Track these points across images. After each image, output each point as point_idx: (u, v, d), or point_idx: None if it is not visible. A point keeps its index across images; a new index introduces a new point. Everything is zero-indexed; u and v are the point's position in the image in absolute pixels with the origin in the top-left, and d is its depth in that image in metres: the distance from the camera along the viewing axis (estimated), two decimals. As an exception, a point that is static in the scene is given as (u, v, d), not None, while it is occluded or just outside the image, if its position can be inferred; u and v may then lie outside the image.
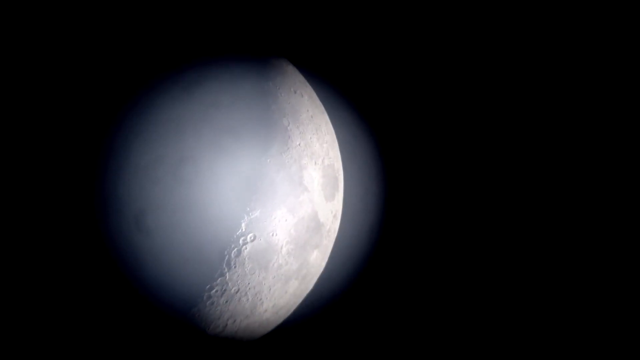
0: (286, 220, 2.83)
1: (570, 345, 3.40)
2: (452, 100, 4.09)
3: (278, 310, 2.96)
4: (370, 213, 3.46)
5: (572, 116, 3.68)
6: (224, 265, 2.70)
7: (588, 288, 3.49)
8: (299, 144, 2.97)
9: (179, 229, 2.63)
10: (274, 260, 2.81)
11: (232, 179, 2.72)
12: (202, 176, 2.65)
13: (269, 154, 2.84)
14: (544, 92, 3.77)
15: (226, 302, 2.77)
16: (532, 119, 3.82)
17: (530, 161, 3.83)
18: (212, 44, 3.08)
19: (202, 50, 3.02)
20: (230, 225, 2.70)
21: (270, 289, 2.85)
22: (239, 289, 2.76)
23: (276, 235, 2.81)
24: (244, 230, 2.72)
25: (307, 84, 3.30)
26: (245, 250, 2.73)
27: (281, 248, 2.83)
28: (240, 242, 2.71)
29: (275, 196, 2.80)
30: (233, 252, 2.70)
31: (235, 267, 2.72)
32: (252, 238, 2.74)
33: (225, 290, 2.74)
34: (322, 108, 3.30)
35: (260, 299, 2.84)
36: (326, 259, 3.11)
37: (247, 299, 2.80)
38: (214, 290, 2.72)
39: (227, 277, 2.72)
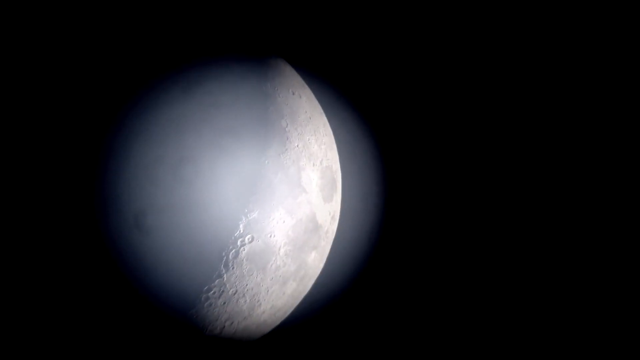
0: (284, 221, 2.83)
1: (570, 345, 3.39)
2: (452, 100, 4.08)
3: (276, 312, 2.96)
4: (368, 214, 3.46)
5: (572, 116, 3.67)
6: (222, 267, 2.70)
7: (588, 288, 3.48)
8: (297, 145, 2.97)
9: (178, 229, 2.63)
10: (272, 261, 2.81)
11: (231, 179, 2.71)
12: (202, 176, 2.65)
13: (267, 155, 2.84)
14: (544, 92, 3.76)
15: (224, 303, 2.77)
16: (532, 119, 3.81)
17: (531, 161, 3.82)
18: (212, 44, 3.08)
19: (202, 50, 3.01)
20: (229, 226, 2.70)
21: (268, 291, 2.85)
22: (236, 291, 2.76)
23: (274, 236, 2.81)
24: (242, 231, 2.72)
25: (306, 85, 3.30)
26: (243, 252, 2.72)
27: (279, 249, 2.83)
28: (238, 243, 2.71)
29: (273, 197, 2.80)
30: (231, 253, 2.70)
31: (233, 268, 2.72)
32: (250, 239, 2.73)
33: (223, 291, 2.74)
34: (321, 109, 3.29)
35: (258, 301, 2.84)
36: (324, 261, 3.11)
37: (245, 301, 2.80)
38: (211, 292, 2.72)
39: (225, 279, 2.72)
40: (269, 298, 2.86)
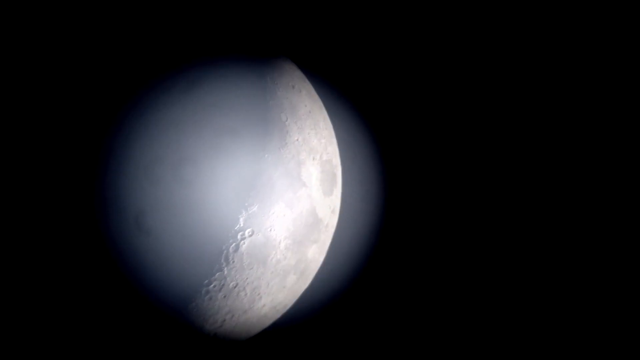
0: (284, 215, 2.84)
1: (570, 345, 3.39)
2: (452, 100, 4.09)
3: (276, 305, 2.96)
4: (369, 208, 3.46)
5: (572, 116, 3.68)
6: (222, 260, 2.70)
7: (588, 288, 3.47)
8: (297, 140, 2.98)
9: (178, 228, 2.63)
10: (272, 255, 2.82)
11: (231, 175, 2.72)
12: (202, 175, 2.65)
13: (267, 149, 2.84)
14: (544, 92, 3.76)
15: (224, 297, 2.77)
16: (532, 119, 3.82)
17: (531, 161, 3.83)
18: (212, 44, 3.09)
19: (202, 50, 3.02)
20: (229, 220, 2.70)
21: (268, 284, 2.85)
22: (237, 284, 2.77)
23: (274, 230, 2.81)
24: (242, 225, 2.72)
25: (306, 80, 3.31)
26: (244, 246, 2.73)
27: (279, 243, 2.83)
28: (239, 237, 2.72)
29: (273, 191, 2.81)
30: (231, 247, 2.71)
31: (233, 262, 2.72)
32: (250, 233, 2.74)
33: (223, 285, 2.74)
34: (321, 103, 3.30)
35: (259, 294, 2.84)
36: (324, 254, 3.11)
37: (246, 294, 2.80)
38: (212, 285, 2.73)
39: (226, 272, 2.72)
40: (269, 291, 2.87)
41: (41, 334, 3.00)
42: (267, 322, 3.00)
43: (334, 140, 3.26)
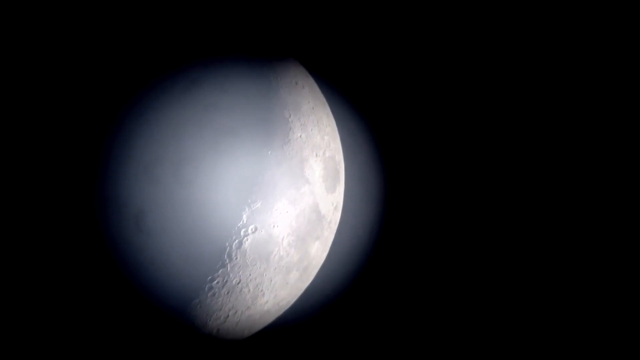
0: (287, 212, 2.84)
1: (570, 345, 3.40)
2: (452, 100, 4.08)
3: (279, 302, 2.97)
4: (371, 204, 3.46)
5: (572, 116, 3.67)
6: (225, 257, 2.71)
7: (588, 288, 3.48)
8: (300, 136, 2.97)
9: (179, 227, 2.63)
10: (275, 251, 2.82)
11: (233, 171, 2.72)
12: (202, 175, 2.65)
13: (270, 146, 2.84)
14: (544, 92, 3.76)
15: (227, 293, 2.77)
16: (532, 118, 3.81)
17: (531, 161, 3.82)
18: (212, 44, 3.08)
19: (202, 50, 3.01)
20: (232, 216, 2.70)
21: (271, 281, 2.85)
22: (240, 280, 2.77)
23: (277, 226, 2.81)
24: (245, 221, 2.72)
25: (309, 76, 3.30)
26: (247, 242, 2.73)
27: (282, 240, 2.83)
28: (242, 233, 2.72)
29: (276, 188, 2.80)
30: (234, 243, 2.71)
31: (236, 258, 2.73)
32: (253, 230, 2.74)
33: (226, 281, 2.74)
34: (324, 100, 3.29)
35: (262, 290, 2.85)
36: (327, 251, 3.12)
37: (249, 290, 2.81)
38: (215, 282, 2.73)
39: (229, 269, 2.72)
40: (272, 288, 2.87)
41: (41, 333, 3.00)
42: (270, 319, 3.00)
43: (337, 137, 3.25)
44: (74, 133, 2.93)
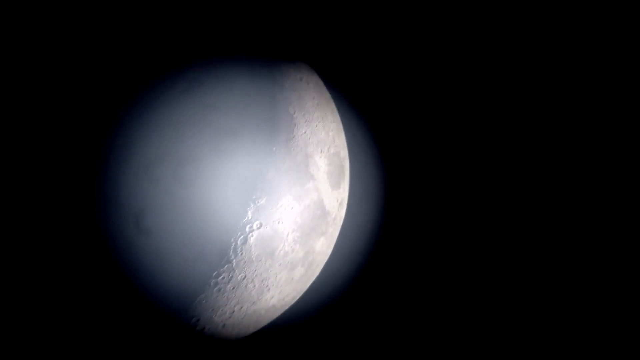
0: (292, 208, 2.84)
1: (570, 345, 3.40)
2: (452, 100, 4.06)
3: (284, 297, 2.98)
4: (375, 200, 3.46)
5: (572, 116, 3.65)
6: (231, 252, 2.72)
7: (588, 288, 3.48)
8: (305, 132, 2.97)
9: (178, 223, 2.64)
10: (280, 247, 2.83)
11: (239, 166, 2.72)
12: (202, 168, 2.65)
13: (275, 142, 2.84)
14: (545, 92, 3.73)
15: (233, 288, 2.79)
16: (532, 118, 3.79)
17: (531, 161, 3.81)
18: (212, 44, 3.06)
19: (203, 50, 3.00)
20: (237, 213, 2.71)
21: (276, 276, 2.87)
22: (245, 276, 2.79)
23: (282, 223, 2.82)
24: (250, 218, 2.73)
25: (314, 72, 3.29)
26: (252, 238, 2.74)
27: (287, 236, 2.85)
28: (247, 229, 2.73)
29: (281, 184, 2.81)
30: (239, 239, 2.72)
31: (242, 254, 2.74)
32: (258, 226, 2.75)
33: (232, 277, 2.76)
34: (329, 96, 3.28)
35: (267, 286, 2.86)
36: (332, 247, 3.13)
37: (254, 286, 2.83)
38: (220, 277, 2.75)
39: (234, 264, 2.74)
40: (277, 283, 2.89)
41: (41, 333, 3.01)
42: (276, 314, 3.03)
43: (342, 133, 3.24)
44: (74, 133, 2.93)
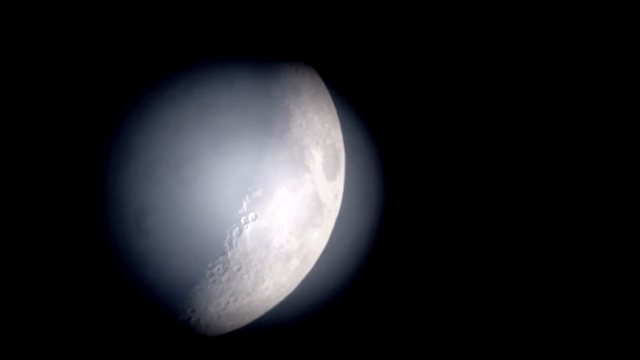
0: (287, 200, 2.85)
1: (570, 345, 3.41)
2: (450, 91, 4.04)
3: (280, 288, 3.00)
4: (372, 194, 3.46)
5: (573, 116, 3.63)
6: (226, 244, 2.73)
7: (588, 288, 3.48)
8: (300, 124, 2.96)
9: (178, 224, 2.64)
10: (275, 239, 2.84)
11: (233, 158, 2.72)
12: (202, 168, 2.65)
13: (270, 133, 2.83)
14: (545, 92, 3.71)
15: (228, 279, 2.80)
16: (533, 118, 3.78)
17: (531, 161, 3.80)
18: (212, 44, 3.04)
19: (203, 51, 2.98)
20: (232, 204, 2.72)
21: (271, 267, 2.88)
22: (240, 267, 2.80)
23: (277, 215, 2.82)
24: (245, 209, 2.73)
25: (310, 66, 3.27)
26: (247, 230, 2.75)
27: (282, 227, 2.85)
28: (242, 221, 2.73)
29: (276, 176, 2.81)
30: (234, 231, 2.73)
31: (236, 246, 2.75)
32: (253, 217, 2.75)
33: (227, 268, 2.77)
34: (324, 87, 3.26)
35: (262, 277, 2.87)
36: (327, 239, 3.13)
37: (249, 277, 2.84)
38: (215, 268, 2.76)
39: (229, 256, 2.75)
40: (272, 275, 2.90)
41: (41, 333, 3.02)
42: (271, 305, 3.04)
43: (338, 125, 3.23)
44: (74, 133, 2.92)
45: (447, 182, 4.07)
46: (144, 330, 2.95)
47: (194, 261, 2.72)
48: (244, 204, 2.73)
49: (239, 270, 2.80)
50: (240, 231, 2.74)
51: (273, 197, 2.79)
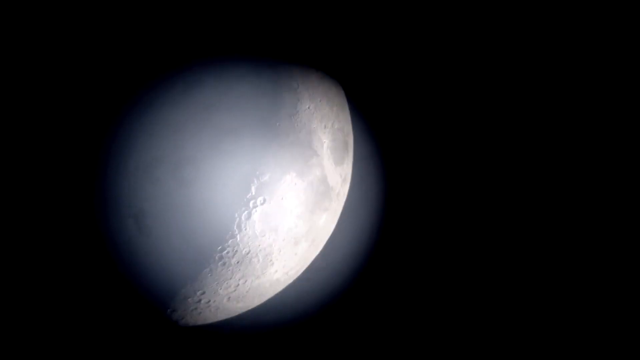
0: (295, 184, 2.85)
1: (570, 346, 3.42)
2: (453, 100, 3.96)
3: (288, 271, 3.03)
4: (379, 178, 3.45)
5: (573, 116, 3.55)
6: (235, 227, 2.75)
7: (588, 289, 3.47)
8: (309, 107, 2.93)
9: (178, 223, 2.65)
10: (284, 223, 2.85)
11: (242, 142, 2.71)
12: (202, 168, 2.64)
13: (278, 117, 2.81)
14: (545, 92, 3.63)
15: (237, 262, 2.84)
16: (533, 118, 3.70)
17: (531, 161, 3.74)
18: (212, 44, 2.99)
19: (203, 51, 2.94)
20: (241, 188, 2.72)
21: (280, 251, 2.90)
22: (249, 250, 2.82)
23: (286, 198, 2.83)
24: (253, 193, 2.74)
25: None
26: (255, 213, 2.76)
27: (290, 211, 2.86)
28: (250, 205, 2.75)
29: (284, 160, 2.80)
30: (244, 214, 2.74)
31: (245, 229, 2.77)
32: (262, 201, 2.76)
33: (236, 251, 2.80)
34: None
35: (271, 260, 2.90)
36: (335, 222, 3.14)
37: (258, 260, 2.87)
38: (225, 251, 2.79)
39: (238, 239, 2.77)
40: (281, 258, 2.93)
41: (41, 333, 3.04)
42: (280, 287, 3.08)
43: (346, 107, 3.19)
44: (74, 133, 2.92)
45: (447, 182, 4.04)
46: (144, 330, 2.99)
47: (202, 245, 2.75)
48: (253, 188, 2.74)
49: (248, 253, 2.83)
50: (249, 215, 2.76)
51: (281, 181, 2.79)
